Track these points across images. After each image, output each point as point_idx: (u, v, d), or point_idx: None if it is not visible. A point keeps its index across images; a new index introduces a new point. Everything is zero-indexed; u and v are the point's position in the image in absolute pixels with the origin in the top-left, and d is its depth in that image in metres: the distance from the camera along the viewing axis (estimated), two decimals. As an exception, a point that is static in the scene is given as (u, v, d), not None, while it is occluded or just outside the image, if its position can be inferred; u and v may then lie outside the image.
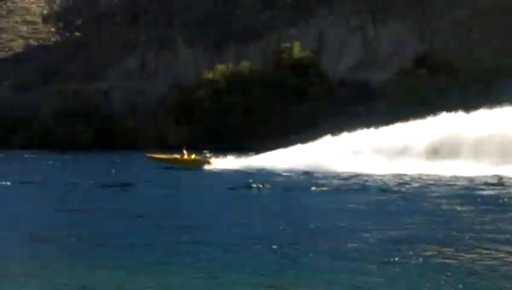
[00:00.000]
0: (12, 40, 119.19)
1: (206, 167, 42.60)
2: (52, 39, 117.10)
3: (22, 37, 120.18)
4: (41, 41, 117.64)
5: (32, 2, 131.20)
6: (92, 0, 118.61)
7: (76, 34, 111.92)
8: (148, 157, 46.94)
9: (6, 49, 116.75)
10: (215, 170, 41.70)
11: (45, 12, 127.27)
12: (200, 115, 76.29)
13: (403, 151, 38.07)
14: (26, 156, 63.71)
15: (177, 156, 44.26)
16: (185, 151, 44.09)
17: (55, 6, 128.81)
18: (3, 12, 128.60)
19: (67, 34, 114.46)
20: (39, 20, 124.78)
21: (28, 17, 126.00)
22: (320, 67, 77.27)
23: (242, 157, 44.03)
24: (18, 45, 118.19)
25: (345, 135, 41.88)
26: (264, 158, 42.77)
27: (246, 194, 28.30)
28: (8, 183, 32.52)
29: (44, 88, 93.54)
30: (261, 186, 29.98)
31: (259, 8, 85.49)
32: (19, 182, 33.74)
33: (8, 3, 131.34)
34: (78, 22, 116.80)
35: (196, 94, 78.12)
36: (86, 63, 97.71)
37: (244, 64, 79.54)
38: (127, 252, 15.37)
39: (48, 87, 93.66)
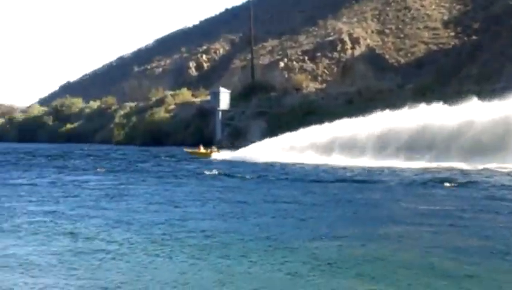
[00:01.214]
0: (414, 45, 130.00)
1: (211, 157, 59.02)
2: (451, 43, 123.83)
3: (423, 42, 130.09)
4: (441, 46, 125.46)
5: (433, 9, 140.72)
6: (488, 4, 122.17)
7: (473, 37, 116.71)
8: (186, 151, 66.48)
9: (409, 54, 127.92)
10: (218, 159, 57.42)
11: (445, 18, 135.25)
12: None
13: None
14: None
15: (197, 150, 63.54)
16: (201, 147, 63.92)
17: (454, 12, 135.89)
18: (407, 20, 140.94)
19: (465, 38, 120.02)
20: (439, 25, 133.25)
21: (430, 23, 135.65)
22: None
23: (236, 151, 57.96)
24: (420, 50, 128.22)
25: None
26: (246, 151, 54.30)
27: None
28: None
29: (442, 90, 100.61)
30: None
31: None
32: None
33: (412, 11, 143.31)
34: (475, 25, 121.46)
35: None
36: (482, 65, 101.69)
37: None
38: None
39: (445, 89, 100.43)
